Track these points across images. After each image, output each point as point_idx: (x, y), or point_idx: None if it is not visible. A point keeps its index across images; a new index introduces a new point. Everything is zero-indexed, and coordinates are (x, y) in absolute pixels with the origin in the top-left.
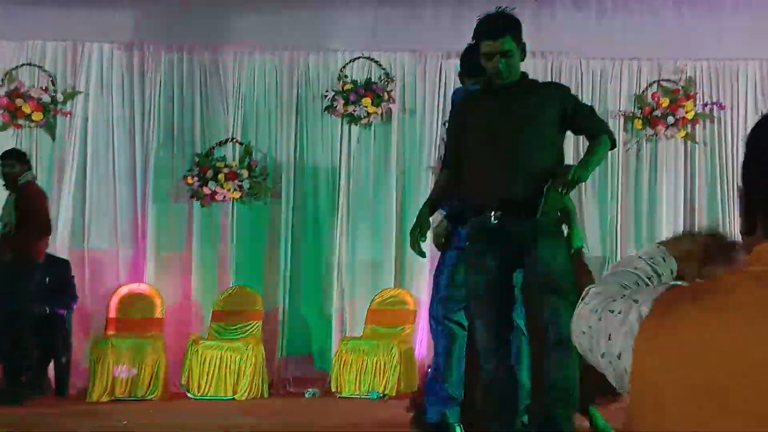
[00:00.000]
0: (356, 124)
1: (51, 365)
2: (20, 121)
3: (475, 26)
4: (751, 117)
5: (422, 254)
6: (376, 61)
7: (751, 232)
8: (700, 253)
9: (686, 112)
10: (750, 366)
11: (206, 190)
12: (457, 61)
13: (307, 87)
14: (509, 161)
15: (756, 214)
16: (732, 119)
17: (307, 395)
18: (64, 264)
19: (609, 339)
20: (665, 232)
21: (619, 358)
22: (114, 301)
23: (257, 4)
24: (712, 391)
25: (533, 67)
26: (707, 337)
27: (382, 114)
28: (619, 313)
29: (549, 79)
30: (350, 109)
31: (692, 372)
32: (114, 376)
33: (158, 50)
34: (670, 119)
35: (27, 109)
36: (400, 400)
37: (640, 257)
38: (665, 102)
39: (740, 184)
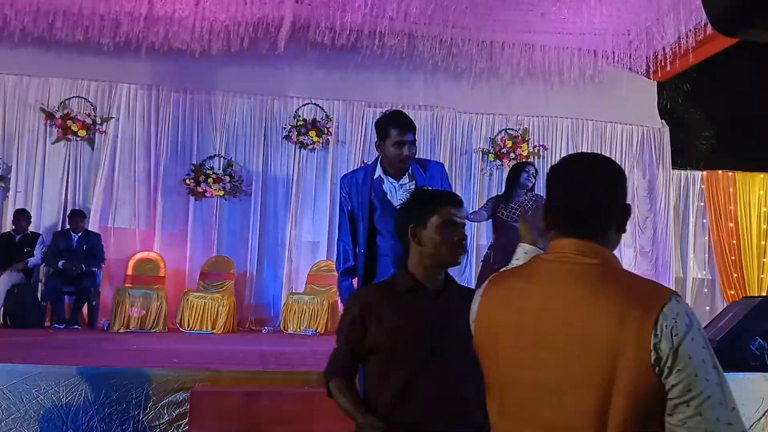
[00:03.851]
0: (305, 149)
1: (85, 306)
2: (69, 136)
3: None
4: (564, 154)
5: None
6: (320, 106)
7: (548, 229)
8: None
9: (522, 151)
10: (540, 311)
11: (199, 189)
12: (375, 110)
13: (271, 122)
14: None
15: (549, 217)
16: (552, 156)
17: (264, 331)
18: (96, 236)
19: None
20: None
21: (473, 320)
22: (131, 264)
23: (239, 63)
24: (522, 329)
25: (424, 117)
26: (517, 296)
27: (322, 143)
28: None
29: (434, 126)
30: (301, 138)
31: (511, 319)
32: (129, 315)
33: (169, 91)
34: (512, 155)
35: (75, 128)
36: (328, 336)
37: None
38: (509, 143)
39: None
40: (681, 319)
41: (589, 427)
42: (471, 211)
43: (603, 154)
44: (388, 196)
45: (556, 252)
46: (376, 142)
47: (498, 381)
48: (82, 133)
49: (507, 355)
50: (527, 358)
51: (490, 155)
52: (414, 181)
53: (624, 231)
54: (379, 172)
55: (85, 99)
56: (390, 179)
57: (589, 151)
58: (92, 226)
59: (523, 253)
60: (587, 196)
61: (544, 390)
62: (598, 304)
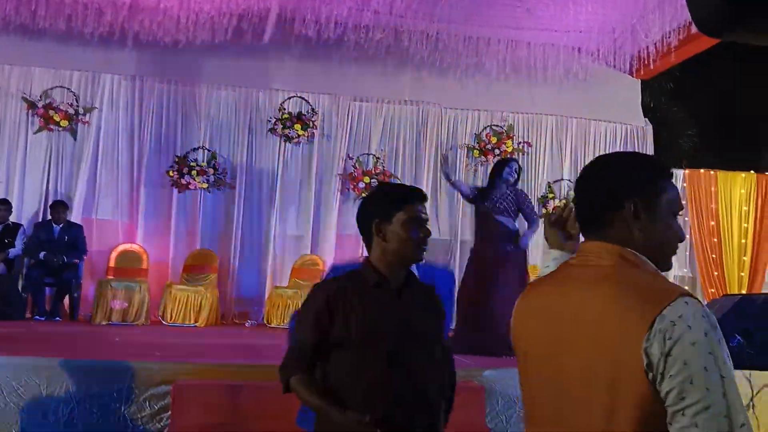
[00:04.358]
0: (289, 142)
1: (66, 298)
2: (52, 126)
3: (400, 192)
4: (548, 152)
5: None
6: (305, 99)
7: (579, 233)
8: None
9: (507, 148)
10: (560, 317)
11: (183, 182)
12: (361, 104)
13: (256, 114)
14: None
15: (580, 221)
16: (536, 153)
17: (247, 324)
18: (78, 227)
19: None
20: None
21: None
22: (113, 256)
23: (224, 54)
24: (545, 336)
25: (409, 113)
26: (544, 304)
27: (307, 136)
28: None
29: (420, 122)
30: (286, 131)
31: (536, 326)
32: (111, 307)
33: (153, 82)
34: (497, 151)
35: (57, 118)
36: None
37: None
38: (494, 140)
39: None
40: (682, 322)
41: None
42: (457, 179)
43: (620, 152)
44: None
45: (580, 256)
46: None
47: (526, 389)
48: (65, 123)
49: (532, 363)
50: (548, 366)
51: (475, 151)
52: None
53: (648, 226)
54: None
55: (67, 89)
56: None
57: (571, 148)
58: (74, 217)
59: (552, 260)
60: (590, 198)
61: (564, 398)
62: (608, 307)
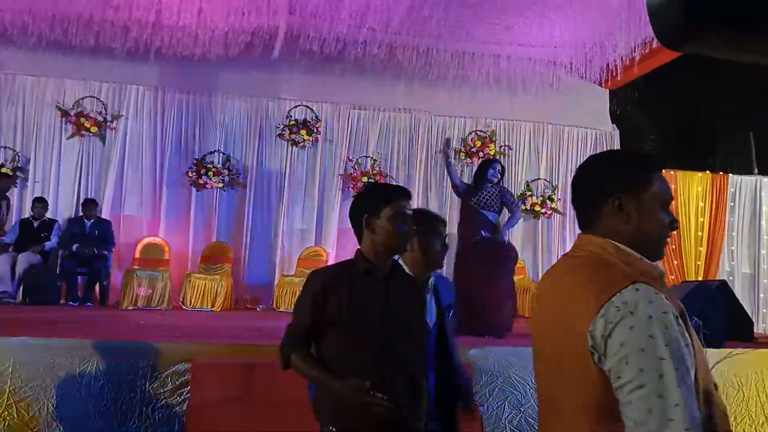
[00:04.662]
0: (296, 146)
1: (97, 286)
2: (83, 132)
3: (388, 190)
4: (527, 155)
5: None
6: (310, 108)
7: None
8: None
9: (490, 150)
10: (542, 305)
11: (201, 181)
12: (360, 111)
13: (266, 121)
14: None
15: (577, 216)
16: (516, 155)
17: (259, 309)
18: (107, 222)
19: None
20: None
21: None
22: (138, 248)
23: (237, 67)
24: (535, 324)
25: (402, 120)
26: (541, 286)
27: (312, 141)
28: None
29: (412, 128)
30: (293, 136)
31: (536, 305)
32: (137, 294)
33: (174, 92)
34: (481, 154)
35: (87, 125)
36: None
37: None
38: (478, 143)
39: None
40: (626, 307)
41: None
42: (452, 168)
43: (610, 150)
44: None
45: (573, 247)
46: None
47: (534, 365)
48: (94, 129)
49: (533, 342)
50: (536, 344)
51: (461, 154)
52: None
53: (635, 219)
54: None
55: (97, 98)
56: None
57: (547, 150)
58: (104, 213)
59: None
60: (581, 194)
61: (546, 372)
62: (574, 292)
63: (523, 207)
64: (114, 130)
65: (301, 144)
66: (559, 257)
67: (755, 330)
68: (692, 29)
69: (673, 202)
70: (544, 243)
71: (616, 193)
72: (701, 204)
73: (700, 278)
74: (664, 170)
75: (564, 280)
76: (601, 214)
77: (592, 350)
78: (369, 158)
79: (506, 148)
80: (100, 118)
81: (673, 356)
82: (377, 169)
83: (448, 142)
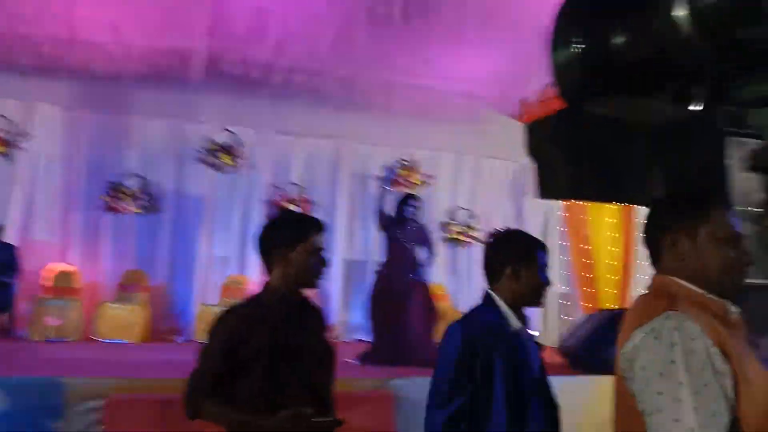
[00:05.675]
0: (217, 171)
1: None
2: None
3: (304, 223)
4: (449, 184)
5: None
6: (233, 132)
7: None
8: None
9: (413, 180)
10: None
11: (116, 206)
12: (284, 137)
13: (186, 144)
14: None
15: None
16: (438, 185)
17: (178, 340)
18: (11, 247)
19: None
20: None
21: None
22: (47, 275)
23: (155, 88)
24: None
25: (327, 147)
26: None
27: (234, 166)
28: None
29: (336, 155)
30: (213, 161)
31: None
32: (46, 325)
33: (86, 112)
34: (405, 182)
35: None
36: None
37: None
38: (402, 172)
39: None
40: (652, 334)
41: None
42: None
43: (671, 191)
44: None
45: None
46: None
47: None
48: (1, 149)
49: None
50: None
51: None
52: None
53: (692, 255)
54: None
55: (4, 117)
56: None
57: (468, 181)
58: (10, 238)
59: None
60: (645, 236)
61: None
62: (628, 322)
63: (445, 235)
64: (22, 150)
65: (223, 169)
66: (480, 283)
67: None
68: (589, 92)
69: (586, 232)
70: (465, 270)
71: (670, 232)
72: (614, 234)
73: (615, 306)
74: (578, 201)
75: (629, 314)
76: (661, 253)
77: (623, 373)
78: (294, 185)
79: (428, 177)
80: (7, 137)
81: (693, 382)
82: (302, 195)
83: (383, 193)
